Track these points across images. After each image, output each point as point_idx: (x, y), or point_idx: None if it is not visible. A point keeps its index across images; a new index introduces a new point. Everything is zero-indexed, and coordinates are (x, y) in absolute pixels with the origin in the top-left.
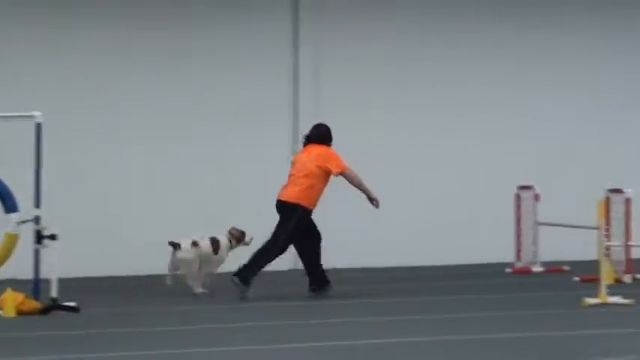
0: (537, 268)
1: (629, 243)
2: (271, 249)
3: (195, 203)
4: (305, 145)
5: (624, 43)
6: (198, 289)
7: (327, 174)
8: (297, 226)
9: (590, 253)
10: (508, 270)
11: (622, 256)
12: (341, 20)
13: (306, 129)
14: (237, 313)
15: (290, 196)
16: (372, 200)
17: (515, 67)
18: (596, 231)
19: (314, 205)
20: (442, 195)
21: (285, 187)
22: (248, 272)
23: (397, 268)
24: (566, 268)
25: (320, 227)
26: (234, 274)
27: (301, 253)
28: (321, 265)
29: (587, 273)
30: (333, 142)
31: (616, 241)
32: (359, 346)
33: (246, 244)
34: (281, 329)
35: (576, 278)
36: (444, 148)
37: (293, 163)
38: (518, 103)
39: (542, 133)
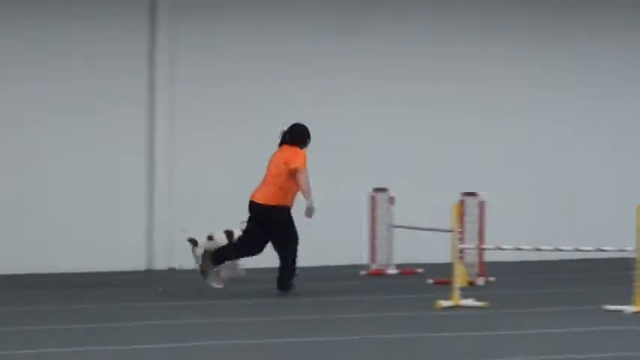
0: (392, 271)
1: (483, 246)
2: (286, 258)
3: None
4: (280, 145)
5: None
6: (216, 284)
7: (292, 173)
8: (289, 221)
9: (444, 255)
10: (363, 272)
11: (476, 259)
12: (199, 20)
13: (163, 129)
14: (120, 313)
15: (264, 198)
16: (308, 209)
17: (379, 63)
18: (450, 234)
19: (290, 202)
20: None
21: (258, 187)
22: (285, 279)
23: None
24: (419, 270)
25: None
26: (277, 288)
27: (238, 240)
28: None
29: (441, 276)
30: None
31: (470, 244)
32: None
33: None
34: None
35: (430, 281)
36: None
37: (268, 163)
38: (385, 103)
39: (399, 135)
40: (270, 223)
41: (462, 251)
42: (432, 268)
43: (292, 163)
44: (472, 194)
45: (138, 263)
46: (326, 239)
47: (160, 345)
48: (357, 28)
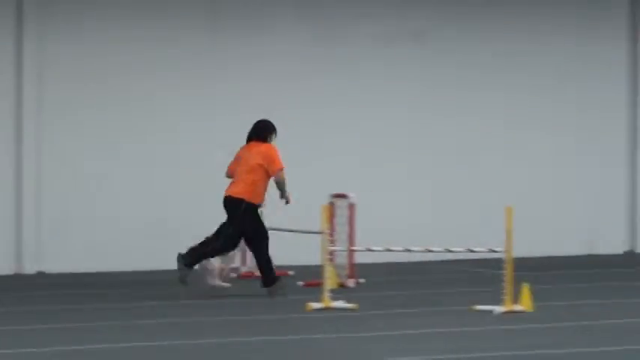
0: None
1: (353, 248)
2: (213, 241)
3: None
4: (248, 141)
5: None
6: (220, 283)
7: (267, 172)
8: (242, 220)
9: (315, 257)
10: (233, 275)
11: (346, 261)
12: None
13: (29, 128)
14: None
15: (234, 192)
16: (284, 197)
17: (233, 66)
18: (320, 236)
19: (258, 200)
20: (155, 195)
21: (231, 183)
22: (191, 257)
23: (92, 274)
24: (290, 272)
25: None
26: (181, 254)
27: (253, 253)
28: (270, 262)
29: (311, 278)
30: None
31: (340, 246)
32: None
33: None
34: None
35: (301, 283)
36: (153, 147)
37: (238, 159)
38: (250, 104)
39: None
40: (231, 215)
41: (331, 253)
42: (303, 271)
43: (272, 170)
44: (342, 196)
45: (4, 267)
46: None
47: None
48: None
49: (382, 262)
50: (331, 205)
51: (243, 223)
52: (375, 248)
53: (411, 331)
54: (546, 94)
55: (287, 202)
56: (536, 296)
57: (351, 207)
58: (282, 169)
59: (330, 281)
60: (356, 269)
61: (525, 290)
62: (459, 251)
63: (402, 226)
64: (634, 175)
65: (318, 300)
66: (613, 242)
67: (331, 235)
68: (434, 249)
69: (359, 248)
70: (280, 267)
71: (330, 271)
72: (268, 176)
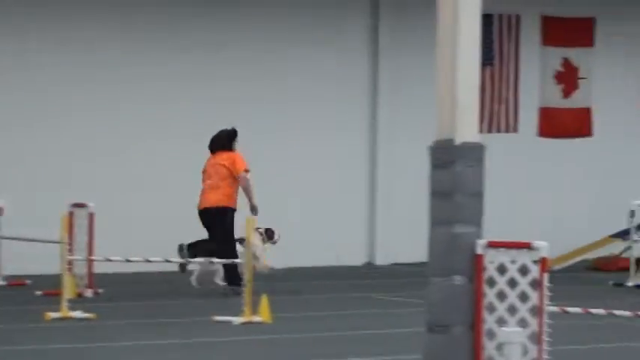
0: None
1: (92, 257)
2: (230, 255)
3: None
4: (212, 153)
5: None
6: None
7: (234, 177)
8: (231, 225)
9: (56, 267)
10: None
11: (85, 271)
12: None
13: None
14: None
15: (215, 200)
16: (252, 208)
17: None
18: (60, 245)
19: (235, 204)
20: None
21: (204, 195)
22: (235, 280)
23: None
24: (28, 282)
25: None
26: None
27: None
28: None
29: (50, 287)
30: None
31: (79, 255)
32: None
33: (275, 242)
34: None
35: (39, 292)
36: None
37: (204, 172)
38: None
39: (13, 143)
40: (219, 223)
41: (70, 262)
42: (43, 280)
43: (235, 169)
44: (82, 205)
45: None
46: None
47: None
48: None
49: (124, 272)
50: (71, 214)
51: (232, 227)
52: (113, 258)
53: (148, 342)
54: (289, 107)
55: (255, 213)
56: (275, 307)
57: (91, 216)
58: (246, 171)
59: (68, 291)
60: (95, 279)
61: (264, 301)
62: (197, 262)
63: (142, 237)
64: (373, 189)
65: (56, 310)
66: (355, 254)
67: (70, 244)
68: (173, 260)
69: (97, 258)
70: (18, 276)
71: (68, 280)
72: (236, 182)
